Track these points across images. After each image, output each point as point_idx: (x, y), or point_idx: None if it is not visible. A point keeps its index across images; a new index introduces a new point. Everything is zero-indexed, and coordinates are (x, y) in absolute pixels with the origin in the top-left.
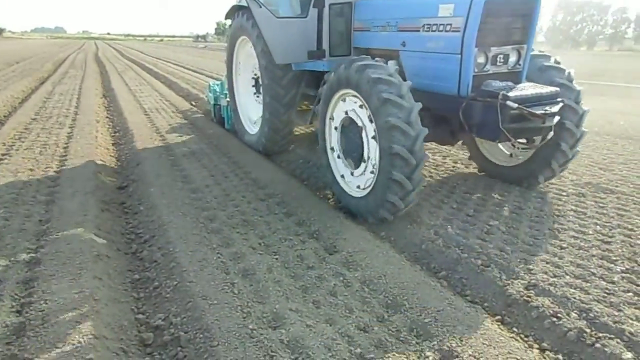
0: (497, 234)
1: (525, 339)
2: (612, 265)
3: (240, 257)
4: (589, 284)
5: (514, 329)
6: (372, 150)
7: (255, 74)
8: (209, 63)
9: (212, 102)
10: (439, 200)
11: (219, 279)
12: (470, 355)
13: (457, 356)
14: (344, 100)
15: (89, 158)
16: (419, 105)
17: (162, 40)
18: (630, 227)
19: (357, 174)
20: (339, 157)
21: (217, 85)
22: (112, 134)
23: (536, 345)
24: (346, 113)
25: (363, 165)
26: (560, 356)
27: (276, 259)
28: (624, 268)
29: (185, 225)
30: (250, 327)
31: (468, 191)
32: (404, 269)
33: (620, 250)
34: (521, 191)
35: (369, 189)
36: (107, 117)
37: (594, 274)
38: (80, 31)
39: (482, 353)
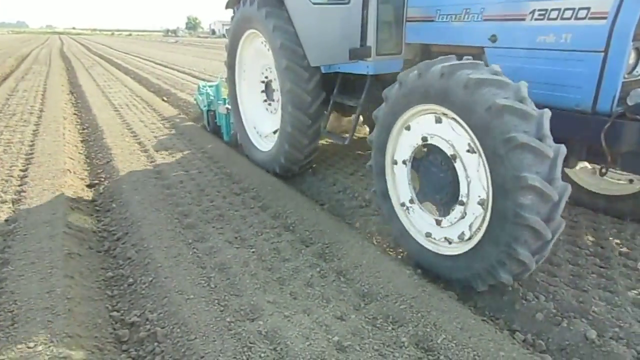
0: None
1: (497, 321)
2: (578, 249)
3: (216, 252)
4: (556, 268)
5: (486, 313)
6: (475, 186)
7: (266, 77)
8: (181, 58)
9: (203, 107)
10: None
11: (195, 273)
12: (444, 339)
13: (431, 340)
14: (415, 123)
15: (56, 156)
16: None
17: (130, 34)
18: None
19: (448, 224)
20: (412, 208)
21: (211, 87)
22: (81, 131)
23: (507, 327)
24: (424, 140)
25: (458, 209)
26: (529, 336)
27: (252, 252)
28: (588, 252)
29: (159, 221)
30: (228, 320)
31: None
32: (380, 259)
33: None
34: None
35: (471, 244)
36: (74, 114)
37: (561, 258)
38: (43, 26)
39: (455, 336)
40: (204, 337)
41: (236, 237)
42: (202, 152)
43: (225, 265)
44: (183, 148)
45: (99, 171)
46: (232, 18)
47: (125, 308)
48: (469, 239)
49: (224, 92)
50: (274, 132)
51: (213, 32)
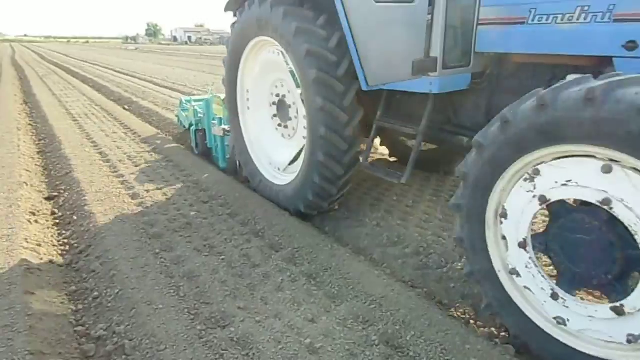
0: (435, 222)
1: (462, 316)
2: None
3: (184, 260)
4: None
5: (452, 309)
6: None
7: (278, 95)
8: (141, 66)
9: (188, 125)
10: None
11: (163, 283)
12: (413, 335)
13: (400, 337)
14: (536, 173)
15: (11, 168)
16: None
17: (87, 42)
18: None
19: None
20: (546, 290)
21: (198, 102)
22: (37, 142)
23: (472, 321)
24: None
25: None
26: (494, 329)
27: (222, 259)
28: None
29: (124, 232)
30: (199, 328)
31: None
32: (349, 261)
33: None
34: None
35: None
36: (29, 125)
37: None
38: None
39: (423, 332)
40: (175, 347)
41: (205, 245)
42: (172, 164)
43: (194, 273)
44: (149, 159)
45: (57, 183)
46: (233, 25)
47: (90, 322)
48: None
49: (217, 109)
50: (293, 162)
51: (175, 39)
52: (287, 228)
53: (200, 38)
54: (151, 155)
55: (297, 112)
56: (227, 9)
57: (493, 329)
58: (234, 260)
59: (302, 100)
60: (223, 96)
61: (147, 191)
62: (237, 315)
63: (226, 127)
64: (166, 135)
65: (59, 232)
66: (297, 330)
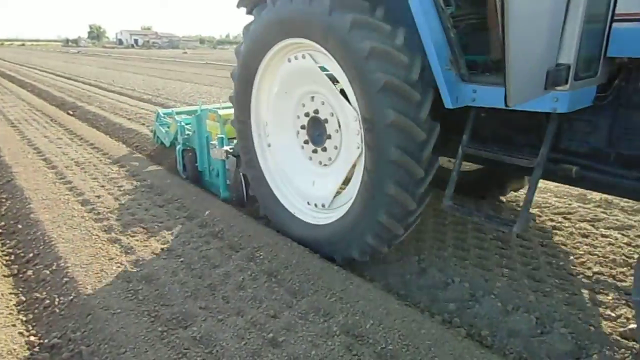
0: None
1: (418, 305)
2: (484, 235)
3: (142, 264)
4: (466, 252)
5: (409, 300)
6: None
7: (308, 113)
8: (85, 69)
9: (169, 143)
10: None
11: (120, 288)
12: (372, 324)
13: (360, 327)
14: None
15: None
16: None
17: (23, 44)
18: None
19: None
20: None
21: (182, 115)
22: None
23: (427, 311)
24: None
25: None
26: (446, 315)
27: (181, 261)
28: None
29: (75, 239)
30: (160, 329)
31: None
32: (309, 258)
33: None
34: None
35: None
36: None
37: (470, 244)
38: None
39: (381, 321)
40: (135, 349)
41: (162, 249)
42: (118, 165)
43: (153, 276)
44: (99, 164)
45: None
46: (247, 29)
47: (43, 331)
48: None
49: (211, 125)
50: (336, 196)
51: (120, 42)
52: (246, 228)
53: (148, 41)
54: (100, 160)
55: (339, 126)
56: (240, 5)
57: (446, 314)
58: (193, 261)
59: (357, 113)
60: (222, 110)
61: (99, 197)
62: (198, 315)
63: (229, 149)
64: (115, 140)
65: (2, 242)
66: (259, 326)
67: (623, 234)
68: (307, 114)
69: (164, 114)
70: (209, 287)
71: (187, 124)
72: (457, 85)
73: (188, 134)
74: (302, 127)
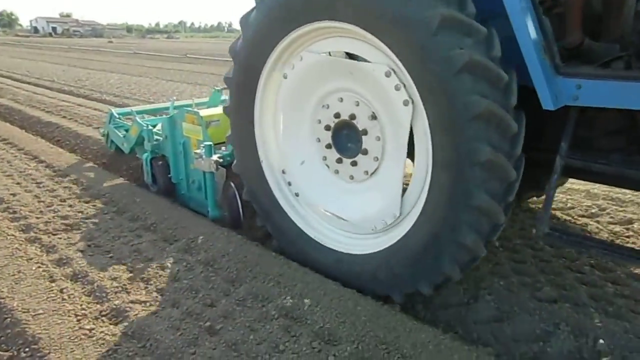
0: None
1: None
2: None
3: (67, 262)
4: None
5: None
6: None
7: (338, 114)
8: None
9: (129, 149)
10: None
11: (42, 288)
12: (309, 305)
13: (298, 309)
14: None
15: None
16: None
17: None
18: None
19: None
20: None
21: (147, 117)
22: None
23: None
24: None
25: None
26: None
27: (110, 257)
28: None
29: None
30: (88, 327)
31: None
32: (246, 246)
33: None
34: None
35: None
36: None
37: None
38: None
39: (319, 302)
40: (61, 350)
41: (90, 245)
42: (38, 161)
43: (80, 274)
44: (12, 159)
45: None
46: (248, 17)
47: None
48: None
49: (191, 129)
50: (393, 219)
51: (36, 30)
52: (180, 220)
53: (68, 29)
54: (15, 156)
55: (381, 132)
56: None
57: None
58: (124, 256)
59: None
60: (203, 111)
61: (14, 195)
62: (130, 309)
63: (218, 159)
64: (33, 134)
65: None
66: (195, 315)
67: None
68: (336, 116)
69: (120, 114)
70: (141, 281)
71: (153, 126)
72: (554, 80)
73: (158, 139)
74: (327, 129)
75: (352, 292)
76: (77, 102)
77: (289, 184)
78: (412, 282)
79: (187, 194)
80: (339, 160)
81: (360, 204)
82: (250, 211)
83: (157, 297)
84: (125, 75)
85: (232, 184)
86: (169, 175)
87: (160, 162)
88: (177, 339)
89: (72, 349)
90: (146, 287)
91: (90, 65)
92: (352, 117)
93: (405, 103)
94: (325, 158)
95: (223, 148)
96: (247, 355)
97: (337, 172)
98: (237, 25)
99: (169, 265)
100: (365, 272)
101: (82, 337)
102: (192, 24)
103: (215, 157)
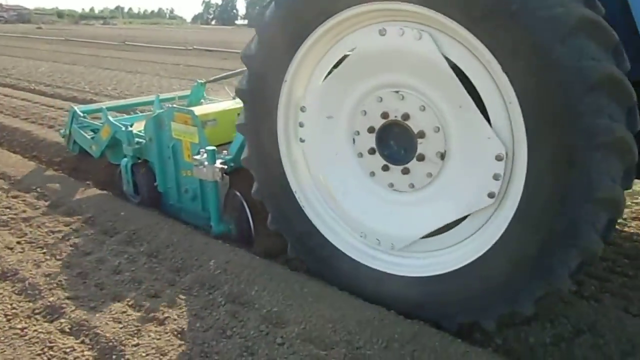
0: None
1: (300, 268)
2: None
3: None
4: None
5: (291, 264)
6: None
7: (385, 114)
8: None
9: (99, 153)
10: None
11: None
12: (257, 290)
13: (246, 294)
14: None
15: None
16: None
17: None
18: None
19: None
20: None
21: (128, 115)
22: None
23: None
24: None
25: None
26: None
27: (43, 253)
28: None
29: None
30: (20, 326)
31: None
32: (191, 235)
33: None
34: None
35: None
36: None
37: None
38: None
39: (266, 286)
40: None
41: (19, 242)
42: None
43: (9, 272)
44: None
45: None
46: (268, 9)
47: None
48: None
49: (184, 130)
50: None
51: None
52: (120, 212)
53: None
54: None
55: (444, 136)
56: None
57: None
58: (59, 252)
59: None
60: (198, 109)
61: None
62: (67, 306)
63: (222, 165)
64: None
65: None
66: (138, 307)
67: None
68: (383, 116)
69: (85, 111)
70: (79, 276)
71: (130, 125)
72: None
73: (140, 142)
74: (370, 131)
75: (299, 275)
76: (2, 92)
77: (326, 203)
78: (508, 302)
79: (178, 205)
80: (385, 168)
81: (419, 216)
82: (260, 223)
83: (96, 291)
84: (56, 64)
85: (237, 193)
86: (155, 184)
87: (143, 169)
88: (119, 332)
89: (2, 349)
90: (84, 282)
91: (16, 53)
92: (407, 117)
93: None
94: (370, 171)
95: (225, 152)
96: (194, 342)
97: (391, 185)
98: (179, 12)
99: (109, 258)
100: (427, 294)
101: (14, 337)
102: (130, 9)
103: (219, 163)
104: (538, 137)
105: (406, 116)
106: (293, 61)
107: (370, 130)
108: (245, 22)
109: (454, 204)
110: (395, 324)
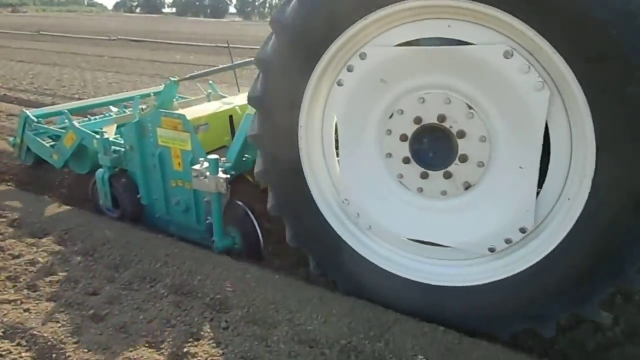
0: None
1: (240, 259)
2: None
3: None
4: None
5: (234, 255)
6: None
7: (419, 119)
8: None
9: (61, 162)
10: None
11: None
12: (200, 280)
13: (189, 285)
14: None
15: None
16: None
17: None
18: None
19: None
20: None
21: (104, 117)
22: None
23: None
24: None
25: None
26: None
27: None
28: None
29: None
30: None
31: None
32: (128, 231)
33: None
34: None
35: None
36: None
37: None
38: None
39: (209, 275)
40: None
41: None
42: None
43: None
44: None
45: None
46: (288, 7)
47: None
48: None
49: (167, 135)
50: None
51: None
52: (49, 212)
53: None
54: None
55: (487, 137)
56: None
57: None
58: None
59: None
60: (188, 112)
61: None
62: None
63: (224, 175)
64: None
65: None
66: (77, 305)
67: None
68: (417, 121)
69: (39, 116)
70: (8, 280)
71: (95, 131)
72: None
73: (118, 151)
74: (403, 139)
75: (240, 262)
76: None
77: (357, 215)
78: (572, 305)
79: (167, 218)
80: (424, 175)
81: (461, 223)
82: (268, 233)
83: (29, 293)
84: None
85: (239, 203)
86: (138, 196)
87: (124, 180)
88: (58, 331)
89: None
90: (15, 286)
91: None
92: (442, 118)
93: (538, 87)
94: (401, 176)
95: (223, 159)
96: (137, 334)
97: (420, 190)
98: None
99: (41, 260)
100: (478, 305)
101: None
102: None
103: (222, 173)
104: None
105: (442, 118)
106: (319, 64)
107: (403, 138)
108: (174, 10)
109: (522, 185)
110: (333, 300)
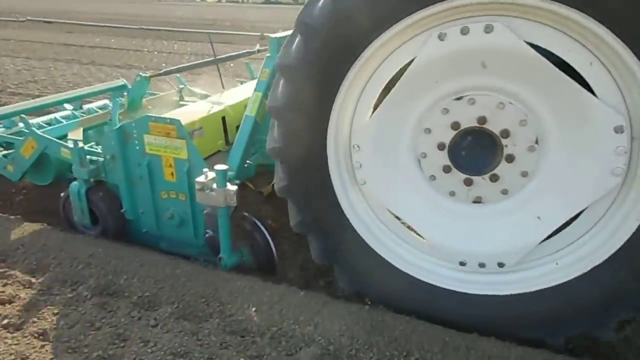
0: None
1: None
2: None
3: None
4: None
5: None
6: None
7: (456, 124)
8: None
9: (19, 174)
10: None
11: None
12: (126, 279)
13: (114, 284)
14: None
15: None
16: None
17: None
18: None
19: None
20: None
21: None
22: None
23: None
24: None
25: None
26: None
27: None
28: None
29: None
30: None
31: None
32: (45, 233)
33: None
34: None
35: None
36: None
37: None
38: None
39: (136, 273)
40: None
41: None
42: None
43: None
44: None
45: None
46: (319, 2)
47: None
48: None
49: (156, 142)
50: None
51: None
52: None
53: None
54: None
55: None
56: None
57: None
58: None
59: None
60: (181, 116)
61: None
62: None
63: (233, 188)
64: None
65: None
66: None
67: None
68: (455, 127)
69: (4, 116)
70: None
71: (60, 137)
72: None
73: (96, 161)
74: (440, 147)
75: (169, 257)
76: None
77: (394, 230)
78: (632, 307)
79: (156, 233)
80: (466, 179)
81: (490, 234)
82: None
83: None
84: None
85: (245, 214)
86: (122, 210)
87: (101, 193)
88: None
89: None
90: None
91: None
92: (481, 120)
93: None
94: (442, 186)
95: (223, 166)
96: (58, 341)
97: (453, 193)
98: None
99: None
100: (537, 312)
101: None
102: None
103: (231, 186)
104: None
105: (481, 120)
106: (353, 67)
107: (440, 147)
108: None
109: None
110: (264, 289)
